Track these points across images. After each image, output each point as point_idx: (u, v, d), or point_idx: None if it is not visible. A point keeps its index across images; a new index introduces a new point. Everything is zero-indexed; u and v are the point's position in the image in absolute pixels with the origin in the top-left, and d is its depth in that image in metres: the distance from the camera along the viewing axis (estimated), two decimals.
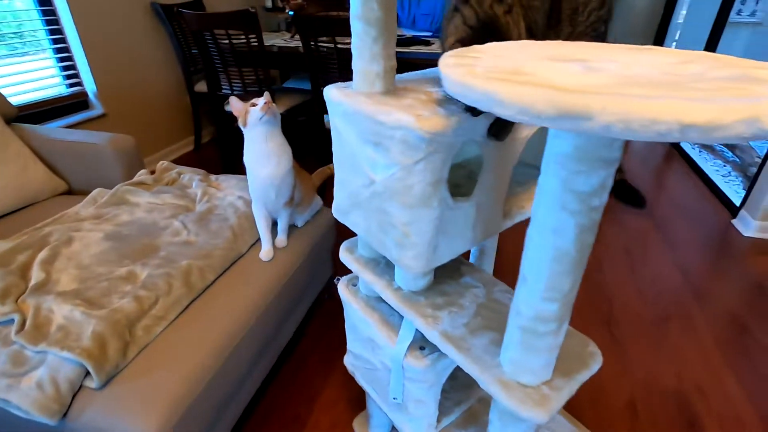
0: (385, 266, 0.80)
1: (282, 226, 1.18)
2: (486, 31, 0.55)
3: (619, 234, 2.00)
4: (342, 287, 0.90)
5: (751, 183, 2.05)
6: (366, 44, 0.61)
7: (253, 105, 0.98)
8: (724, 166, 2.77)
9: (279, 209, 1.14)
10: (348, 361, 0.98)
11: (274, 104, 0.99)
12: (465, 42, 0.55)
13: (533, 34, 0.58)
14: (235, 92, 2.18)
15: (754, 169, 2.39)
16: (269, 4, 3.25)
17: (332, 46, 1.76)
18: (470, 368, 0.60)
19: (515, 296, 0.54)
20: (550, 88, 0.29)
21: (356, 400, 1.23)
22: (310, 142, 2.55)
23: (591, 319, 1.50)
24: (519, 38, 0.55)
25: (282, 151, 1.05)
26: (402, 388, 0.78)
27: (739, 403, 1.21)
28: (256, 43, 1.97)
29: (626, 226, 2.06)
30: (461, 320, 0.68)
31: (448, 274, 0.77)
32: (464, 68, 0.36)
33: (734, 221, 2.09)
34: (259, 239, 1.18)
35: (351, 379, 1.28)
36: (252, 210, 1.17)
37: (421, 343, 0.75)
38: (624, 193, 0.68)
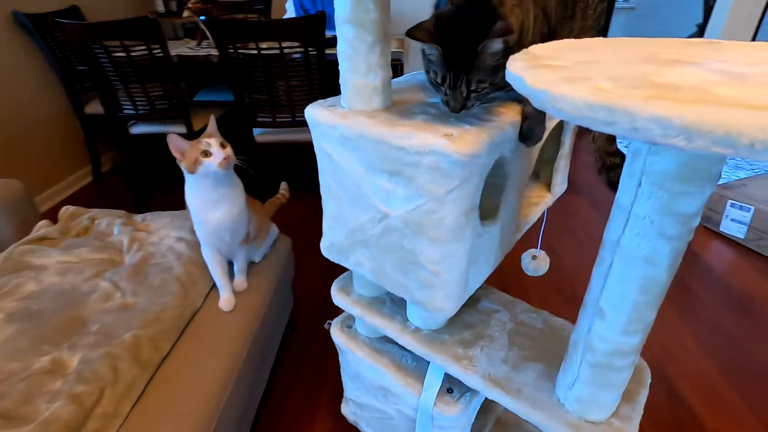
0: (392, 304, 0.70)
1: (239, 267, 1.02)
2: (471, 6, 0.46)
3: (560, 217, 2.09)
4: (336, 332, 0.78)
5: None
6: (361, 53, 0.50)
7: (206, 154, 0.79)
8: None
9: (235, 250, 0.98)
10: (348, 410, 0.87)
11: (232, 152, 0.82)
12: (442, 17, 0.46)
13: (549, 23, 0.51)
14: (140, 111, 1.88)
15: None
16: (161, 8, 2.90)
17: (255, 52, 1.58)
18: (529, 414, 0.53)
19: (583, 331, 0.47)
20: (750, 107, 0.21)
21: None
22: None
23: (558, 302, 1.54)
24: (517, 21, 0.47)
25: (234, 190, 0.88)
26: None
27: (702, 361, 1.30)
28: (161, 54, 1.72)
29: (564, 208, 2.16)
30: (498, 355, 0.60)
31: (465, 304, 0.70)
32: (580, 85, 0.27)
33: None
34: (214, 285, 1.00)
35: (339, 422, 1.16)
36: (201, 253, 0.98)
37: (448, 385, 0.66)
38: None
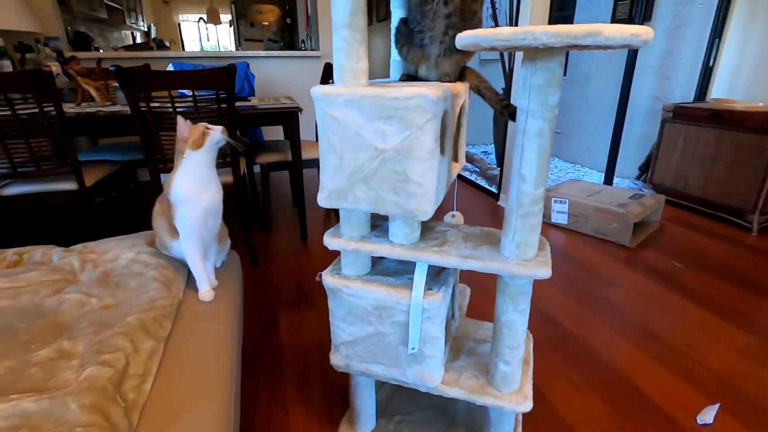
0: (375, 238, 0.93)
1: (212, 264, 1.10)
2: None
3: None
4: (329, 278, 0.96)
5: (499, 178, 2.97)
6: (354, 47, 0.79)
7: (207, 128, 0.94)
8: (471, 174, 3.83)
9: (211, 242, 1.07)
10: (340, 356, 1.01)
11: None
12: None
13: None
14: (18, 170, 1.76)
15: (492, 172, 3.43)
16: (8, 67, 2.69)
17: (169, 107, 1.69)
18: (492, 267, 0.81)
19: (513, 197, 0.79)
20: None
21: (327, 417, 1.21)
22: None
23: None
24: None
25: (217, 175, 1.03)
26: (419, 333, 0.91)
27: (563, 298, 1.78)
28: (53, 110, 1.69)
29: None
30: (460, 246, 0.88)
31: (426, 229, 0.97)
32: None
33: (499, 202, 2.96)
34: (187, 285, 1.06)
35: (314, 405, 1.25)
36: (180, 250, 1.05)
37: (428, 286, 0.90)
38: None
